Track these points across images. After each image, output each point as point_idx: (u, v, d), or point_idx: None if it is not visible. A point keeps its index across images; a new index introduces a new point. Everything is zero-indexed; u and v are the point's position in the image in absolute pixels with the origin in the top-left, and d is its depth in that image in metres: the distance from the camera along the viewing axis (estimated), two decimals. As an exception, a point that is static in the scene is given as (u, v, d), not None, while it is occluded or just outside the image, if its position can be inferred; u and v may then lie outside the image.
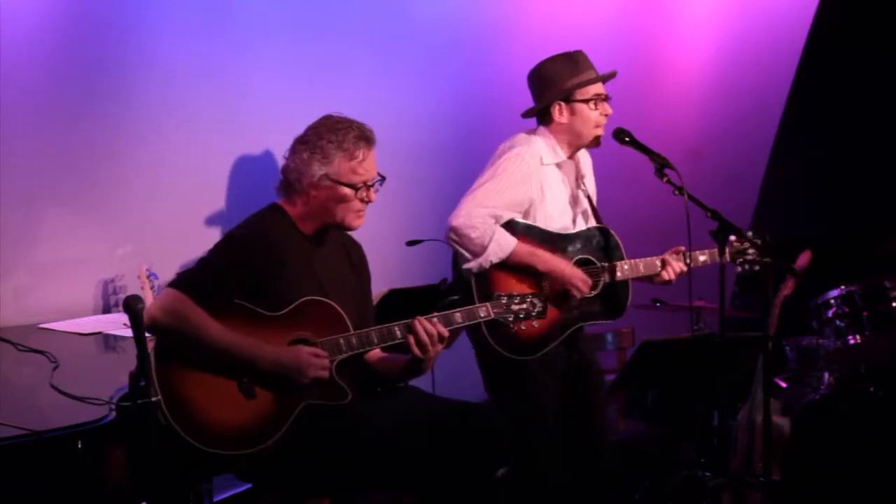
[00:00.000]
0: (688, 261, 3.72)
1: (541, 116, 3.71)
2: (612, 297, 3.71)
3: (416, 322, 2.99)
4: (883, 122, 5.85)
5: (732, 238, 3.79)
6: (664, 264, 3.72)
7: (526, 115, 3.74)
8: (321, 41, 4.23)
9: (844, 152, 6.00)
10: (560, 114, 3.64)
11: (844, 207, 5.97)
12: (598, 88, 3.64)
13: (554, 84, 3.63)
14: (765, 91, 5.87)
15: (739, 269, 3.84)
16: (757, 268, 3.81)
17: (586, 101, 3.62)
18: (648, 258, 3.73)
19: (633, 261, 3.71)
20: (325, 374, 2.93)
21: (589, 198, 3.80)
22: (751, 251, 3.82)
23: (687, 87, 5.62)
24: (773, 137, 6.01)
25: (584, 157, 3.82)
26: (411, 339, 2.98)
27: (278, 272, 2.98)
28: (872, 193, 5.88)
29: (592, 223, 3.76)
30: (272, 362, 2.89)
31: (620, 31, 5.14)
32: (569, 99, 3.62)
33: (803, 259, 3.99)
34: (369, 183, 3.07)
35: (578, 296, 3.60)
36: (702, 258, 3.77)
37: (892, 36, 5.82)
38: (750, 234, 3.85)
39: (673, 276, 3.73)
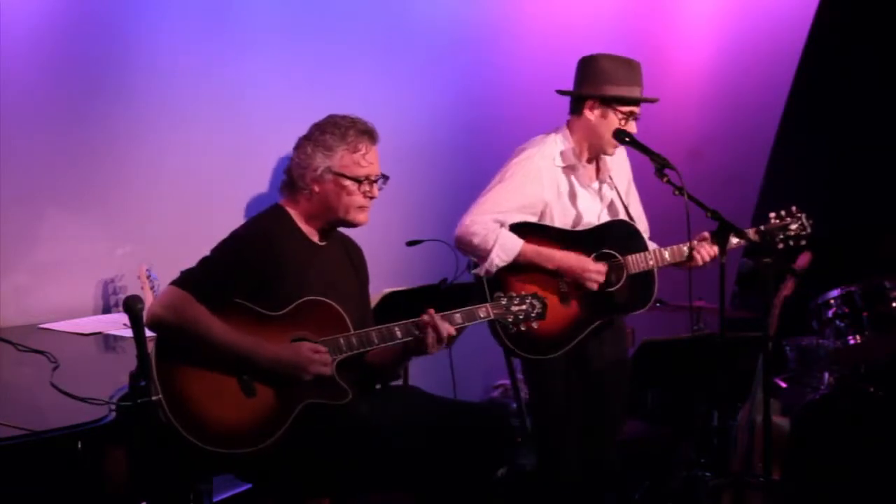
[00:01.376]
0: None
1: (574, 104, 3.65)
2: (638, 289, 3.63)
3: (428, 323, 3.00)
4: (883, 122, 5.85)
5: (772, 215, 3.74)
6: (692, 250, 3.62)
7: (561, 91, 3.68)
8: (321, 41, 4.23)
9: (844, 152, 6.00)
10: (591, 110, 3.59)
11: (844, 207, 5.97)
12: (635, 107, 3.59)
13: (603, 82, 3.57)
14: (765, 91, 5.86)
15: (781, 245, 3.72)
16: (803, 243, 3.73)
17: (623, 114, 3.57)
18: (674, 246, 3.64)
19: (657, 250, 3.64)
20: (327, 370, 2.93)
21: (618, 191, 3.72)
22: (793, 226, 3.74)
23: (687, 87, 5.61)
24: (773, 137, 6.01)
25: (613, 156, 3.73)
26: (424, 337, 2.99)
27: (280, 272, 2.99)
28: (872, 193, 5.88)
29: (622, 218, 3.70)
30: (273, 360, 2.89)
31: (620, 31, 5.13)
32: (609, 102, 3.57)
33: (803, 259, 3.99)
34: (372, 178, 3.09)
35: (594, 288, 3.54)
36: (734, 241, 3.60)
37: (892, 36, 5.82)
38: (782, 213, 3.77)
39: (707, 259, 3.62)
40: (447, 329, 3.02)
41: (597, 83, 3.58)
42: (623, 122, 3.58)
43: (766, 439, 3.64)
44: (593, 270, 3.54)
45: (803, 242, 3.76)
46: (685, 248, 3.64)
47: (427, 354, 3.06)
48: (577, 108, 3.64)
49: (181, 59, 3.89)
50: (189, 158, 3.98)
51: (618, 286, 3.60)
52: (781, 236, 3.74)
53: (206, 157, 4.02)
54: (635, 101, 3.60)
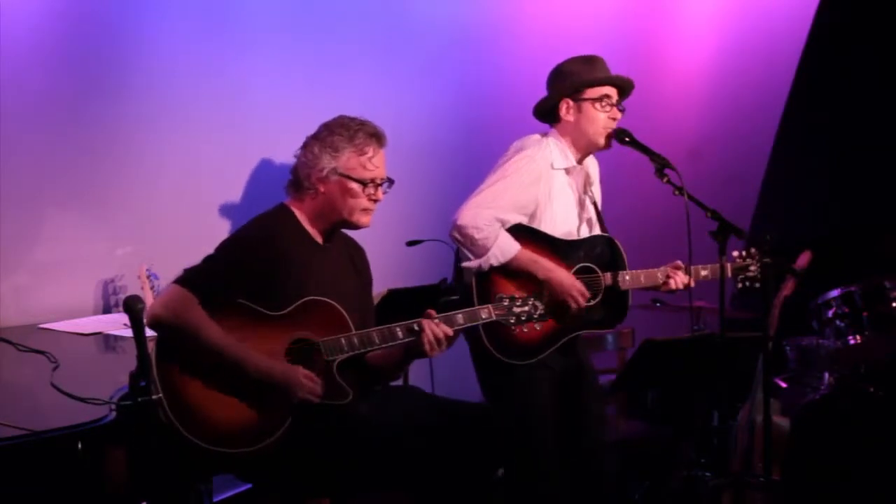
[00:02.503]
0: (689, 274, 3.70)
1: (551, 115, 3.69)
2: (612, 307, 3.70)
3: (425, 325, 3.00)
4: (883, 122, 5.85)
5: (735, 254, 3.82)
6: (667, 276, 3.71)
7: (536, 110, 3.72)
8: (321, 41, 4.23)
9: (844, 152, 6.00)
10: (567, 111, 3.63)
11: (844, 207, 5.97)
12: (608, 91, 3.61)
13: (566, 80, 3.63)
14: (765, 91, 5.87)
15: (740, 285, 3.86)
16: (758, 285, 3.81)
17: (594, 101, 3.59)
18: (650, 269, 3.72)
19: (634, 272, 3.70)
20: (315, 399, 2.92)
21: (595, 205, 3.78)
22: (752, 268, 3.83)
23: (687, 87, 5.62)
24: (774, 137, 6.01)
25: (591, 163, 3.81)
26: (423, 340, 2.99)
27: (283, 272, 2.99)
28: (872, 193, 5.88)
29: (597, 231, 3.75)
30: (265, 374, 2.89)
31: (620, 31, 5.13)
32: (577, 97, 3.61)
33: (803, 259, 3.99)
34: (378, 181, 3.09)
35: (574, 307, 3.58)
36: (703, 272, 3.75)
37: (892, 36, 5.82)
38: (743, 253, 3.86)
39: (681, 286, 3.71)
40: (445, 331, 3.02)
41: (561, 84, 3.64)
42: (601, 107, 3.59)
43: (766, 439, 3.65)
44: (578, 291, 3.58)
45: (757, 285, 3.83)
46: (659, 274, 3.71)
47: (427, 357, 3.06)
48: (554, 117, 3.68)
49: (181, 58, 3.89)
50: (189, 158, 3.98)
51: (594, 302, 3.64)
52: (741, 276, 3.85)
53: (206, 157, 4.02)
54: (601, 82, 3.60)
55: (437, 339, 3.01)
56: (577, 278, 3.61)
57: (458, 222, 3.50)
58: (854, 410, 4.23)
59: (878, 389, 4.25)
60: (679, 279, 3.71)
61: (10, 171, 3.55)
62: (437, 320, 3.03)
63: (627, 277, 3.68)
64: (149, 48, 3.81)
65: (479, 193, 3.55)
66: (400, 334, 3.03)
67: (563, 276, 3.58)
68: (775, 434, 3.87)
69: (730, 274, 3.78)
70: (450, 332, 3.04)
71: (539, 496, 3.64)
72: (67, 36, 3.62)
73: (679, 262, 3.70)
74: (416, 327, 3.02)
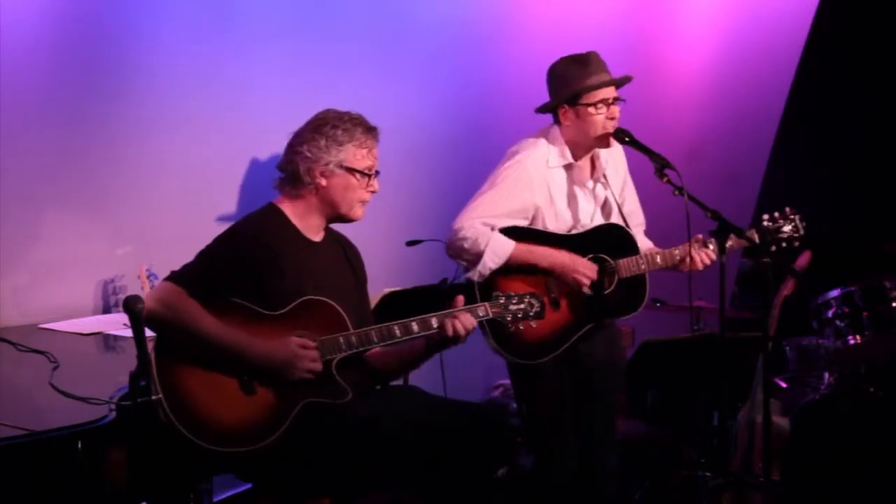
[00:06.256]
0: (711, 246, 3.59)
1: (553, 115, 3.68)
2: (628, 294, 3.64)
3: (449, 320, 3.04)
4: (883, 122, 5.85)
5: (764, 217, 3.70)
6: (684, 255, 3.61)
7: (539, 110, 3.72)
8: (321, 42, 4.24)
9: (844, 153, 6.00)
10: (565, 117, 3.61)
11: (844, 207, 5.97)
12: (605, 93, 3.57)
13: (562, 86, 3.60)
14: (765, 91, 5.86)
15: (774, 248, 3.67)
16: (796, 244, 3.69)
17: (592, 105, 3.56)
18: (666, 250, 3.65)
19: (648, 255, 3.63)
20: (317, 365, 2.92)
21: (612, 195, 3.72)
22: (786, 228, 3.70)
23: (687, 87, 5.62)
24: (773, 137, 6.01)
25: (609, 153, 3.73)
26: (448, 327, 3.02)
27: (277, 270, 2.99)
28: (872, 193, 5.89)
29: (616, 221, 3.69)
30: (263, 356, 2.89)
31: (620, 31, 5.14)
32: (574, 103, 3.59)
33: (803, 259, 3.99)
34: (375, 173, 3.12)
35: (586, 283, 3.54)
36: (728, 243, 3.53)
37: (893, 36, 5.82)
38: (776, 215, 3.72)
39: (708, 262, 3.61)
40: (470, 321, 3.05)
41: (558, 89, 3.62)
42: (599, 110, 3.56)
43: (766, 439, 3.64)
44: (583, 266, 3.54)
45: (796, 244, 3.73)
46: (676, 253, 3.64)
47: (453, 342, 3.06)
48: (555, 118, 3.67)
49: (182, 59, 3.89)
50: (189, 158, 3.98)
51: (608, 290, 3.61)
52: (774, 239, 3.70)
53: (206, 157, 4.02)
54: (597, 87, 3.57)
55: (466, 331, 3.04)
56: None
57: (447, 239, 3.51)
58: (854, 410, 4.23)
59: (878, 389, 4.26)
60: (705, 256, 3.60)
61: (10, 171, 3.55)
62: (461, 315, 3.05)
63: (641, 262, 3.62)
64: (149, 48, 3.81)
65: (471, 203, 3.54)
66: (398, 333, 3.03)
67: (563, 257, 3.55)
68: (775, 434, 3.87)
69: (757, 240, 3.64)
70: (473, 322, 3.07)
71: (553, 492, 3.64)
72: (67, 36, 3.63)
73: (699, 236, 3.60)
74: (415, 326, 3.02)
